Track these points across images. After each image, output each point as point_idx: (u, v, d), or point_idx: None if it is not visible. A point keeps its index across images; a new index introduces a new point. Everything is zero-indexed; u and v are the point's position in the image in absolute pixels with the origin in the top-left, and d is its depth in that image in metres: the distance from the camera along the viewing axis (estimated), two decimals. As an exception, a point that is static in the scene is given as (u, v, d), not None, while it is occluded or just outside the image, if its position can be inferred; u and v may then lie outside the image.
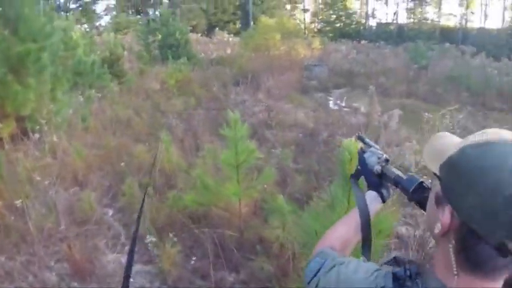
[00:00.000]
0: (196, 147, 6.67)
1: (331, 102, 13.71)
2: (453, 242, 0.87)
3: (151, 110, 9.29)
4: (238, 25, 39.03)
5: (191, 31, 21.43)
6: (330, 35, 37.21)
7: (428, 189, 1.14)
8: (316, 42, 22.29)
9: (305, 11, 47.06)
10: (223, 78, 13.81)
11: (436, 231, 0.90)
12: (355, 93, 15.28)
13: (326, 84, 16.70)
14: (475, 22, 44.25)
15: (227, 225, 4.03)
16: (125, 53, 14.76)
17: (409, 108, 13.94)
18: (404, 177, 1.30)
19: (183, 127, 8.07)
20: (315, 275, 1.12)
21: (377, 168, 1.41)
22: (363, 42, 29.81)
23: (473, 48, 26.35)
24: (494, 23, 49.07)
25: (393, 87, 16.24)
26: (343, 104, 13.48)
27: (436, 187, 0.93)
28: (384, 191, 1.42)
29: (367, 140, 1.58)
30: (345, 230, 1.35)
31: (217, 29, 31.04)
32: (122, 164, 5.54)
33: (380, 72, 18.73)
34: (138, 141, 6.94)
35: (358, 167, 1.50)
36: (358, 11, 47.40)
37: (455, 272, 0.87)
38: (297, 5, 46.59)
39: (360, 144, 1.61)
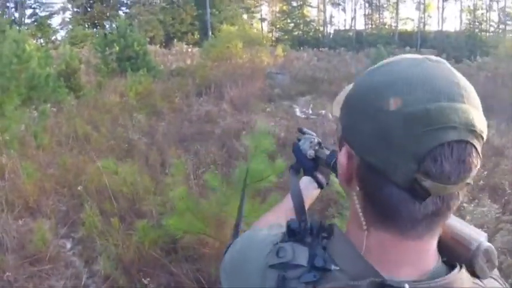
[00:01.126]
0: (162, 163, 6.14)
1: (297, 110, 13.34)
2: (357, 188, 0.68)
3: (111, 125, 8.71)
4: (196, 36, 38.73)
5: (149, 43, 20.89)
6: (289, 43, 37.16)
7: None
8: (279, 50, 22.03)
9: (262, 20, 47.15)
10: (185, 89, 13.34)
11: (342, 176, 0.71)
12: (320, 101, 15.00)
13: (289, 92, 16.33)
14: (433, 25, 45.67)
15: (213, 258, 3.31)
16: (82, 66, 14.06)
17: None
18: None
19: (146, 141, 7.52)
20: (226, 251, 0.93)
21: (310, 152, 1.32)
22: (323, 49, 29.76)
23: (433, 51, 26.84)
24: (451, 25, 50.72)
25: None
26: (310, 112, 13.16)
27: (339, 132, 0.73)
28: (319, 175, 1.31)
29: (304, 129, 1.48)
30: (275, 217, 1.14)
31: (175, 40, 30.48)
32: (80, 187, 4.91)
33: (343, 78, 18.19)
34: (98, 158, 6.36)
35: (295, 158, 1.40)
36: (316, 18, 47.82)
37: (365, 227, 0.68)
38: (254, 14, 46.59)
39: (297, 135, 1.49)
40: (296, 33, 44.85)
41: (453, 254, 0.71)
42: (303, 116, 12.45)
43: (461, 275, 0.67)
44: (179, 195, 3.15)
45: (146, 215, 4.26)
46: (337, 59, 25.71)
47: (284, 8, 46.38)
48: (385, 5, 47.57)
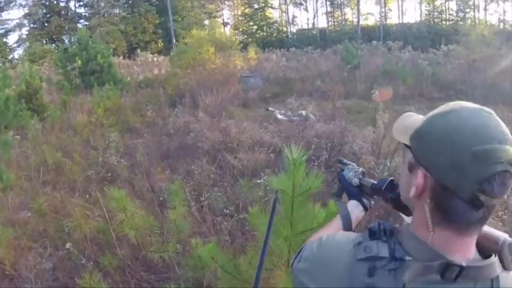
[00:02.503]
0: (151, 188, 5.34)
1: (277, 112, 12.77)
2: (428, 201, 0.94)
3: (83, 148, 7.87)
4: (160, 44, 37.81)
5: (111, 55, 20.03)
6: (254, 46, 36.83)
7: (397, 185, 1.25)
8: (252, 52, 21.46)
9: (225, 24, 46.57)
10: (157, 101, 12.59)
11: (411, 194, 0.97)
12: (298, 101, 14.52)
13: (264, 94, 16.06)
14: (394, 18, 47.04)
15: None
16: (44, 84, 13.10)
17: (355, 109, 13.68)
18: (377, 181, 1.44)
19: (126, 164, 6.74)
20: (298, 254, 1.17)
21: (355, 180, 1.54)
22: (291, 49, 29.56)
23: (399, 42, 27.72)
24: (412, 17, 52.62)
25: (331, 90, 15.91)
26: (290, 113, 12.63)
27: (407, 157, 1.02)
28: (364, 200, 1.51)
29: (344, 160, 1.71)
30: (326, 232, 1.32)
31: (138, 50, 29.39)
32: (68, 245, 3.71)
33: (314, 76, 18.60)
34: (76, 192, 5.46)
35: (339, 185, 1.62)
36: (278, 19, 47.79)
37: (431, 229, 0.94)
38: (216, 19, 45.92)
39: (339, 165, 1.71)
40: (259, 35, 44.59)
41: (484, 248, 0.99)
42: (285, 118, 11.93)
43: (496, 261, 0.94)
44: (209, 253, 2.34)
45: (157, 267, 3.36)
46: (306, 57, 25.84)
47: (246, 10, 46.06)
48: (345, 2, 48.04)
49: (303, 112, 12.46)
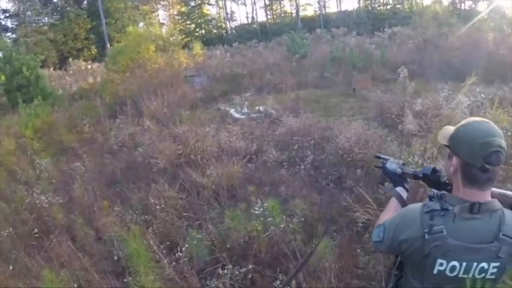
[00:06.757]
0: (97, 238, 3.78)
1: (232, 111, 11.51)
2: (459, 173, 1.70)
3: (10, 184, 6.19)
4: (93, 50, 35.52)
5: (41, 66, 18.04)
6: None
7: (439, 170, 2.06)
8: (198, 48, 20.01)
9: (161, 25, 44.93)
10: (95, 113, 11.07)
11: (451, 171, 1.75)
12: (253, 97, 13.30)
13: (212, 93, 15.08)
14: (332, 7, 47.51)
15: None
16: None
17: (312, 99, 12.90)
18: (420, 169, 2.11)
19: (62, 202, 5.11)
20: (378, 229, 1.90)
21: (399, 170, 2.15)
22: (235, 44, 28.59)
23: (343, 29, 27.77)
24: (349, 5, 54.18)
25: (283, 82, 15.38)
26: (248, 110, 11.41)
27: (447, 151, 1.80)
28: (406, 184, 2.18)
29: (382, 155, 2.36)
30: (390, 213, 1.98)
31: (70, 59, 27.11)
32: None
33: (263, 69, 18.10)
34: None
35: (382, 174, 2.28)
36: (217, 15, 46.73)
37: (461, 189, 1.69)
38: (152, 20, 44.09)
39: (379, 160, 2.34)
40: (198, 33, 43.38)
41: (501, 202, 1.71)
42: (244, 117, 10.69)
43: (497, 202, 1.70)
44: None
45: None
46: (251, 51, 25.40)
47: (182, 9, 44.61)
48: (283, -6, 47.88)
49: (261, 108, 11.31)
